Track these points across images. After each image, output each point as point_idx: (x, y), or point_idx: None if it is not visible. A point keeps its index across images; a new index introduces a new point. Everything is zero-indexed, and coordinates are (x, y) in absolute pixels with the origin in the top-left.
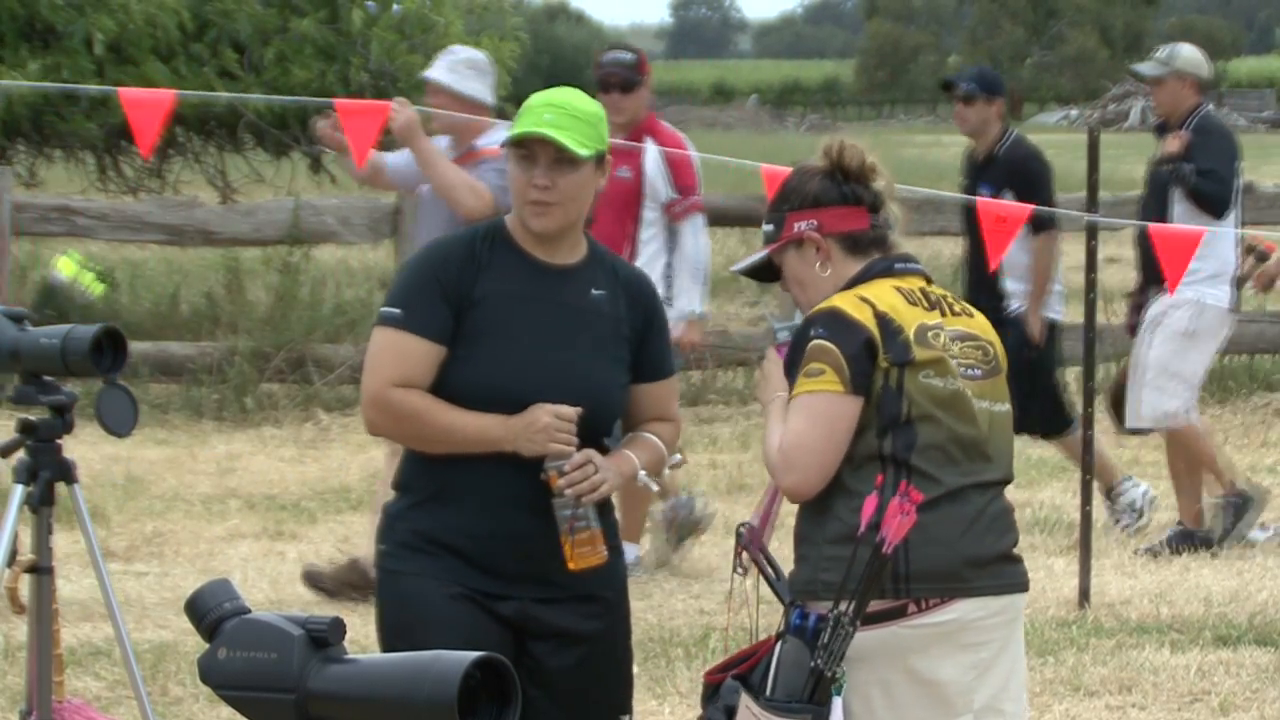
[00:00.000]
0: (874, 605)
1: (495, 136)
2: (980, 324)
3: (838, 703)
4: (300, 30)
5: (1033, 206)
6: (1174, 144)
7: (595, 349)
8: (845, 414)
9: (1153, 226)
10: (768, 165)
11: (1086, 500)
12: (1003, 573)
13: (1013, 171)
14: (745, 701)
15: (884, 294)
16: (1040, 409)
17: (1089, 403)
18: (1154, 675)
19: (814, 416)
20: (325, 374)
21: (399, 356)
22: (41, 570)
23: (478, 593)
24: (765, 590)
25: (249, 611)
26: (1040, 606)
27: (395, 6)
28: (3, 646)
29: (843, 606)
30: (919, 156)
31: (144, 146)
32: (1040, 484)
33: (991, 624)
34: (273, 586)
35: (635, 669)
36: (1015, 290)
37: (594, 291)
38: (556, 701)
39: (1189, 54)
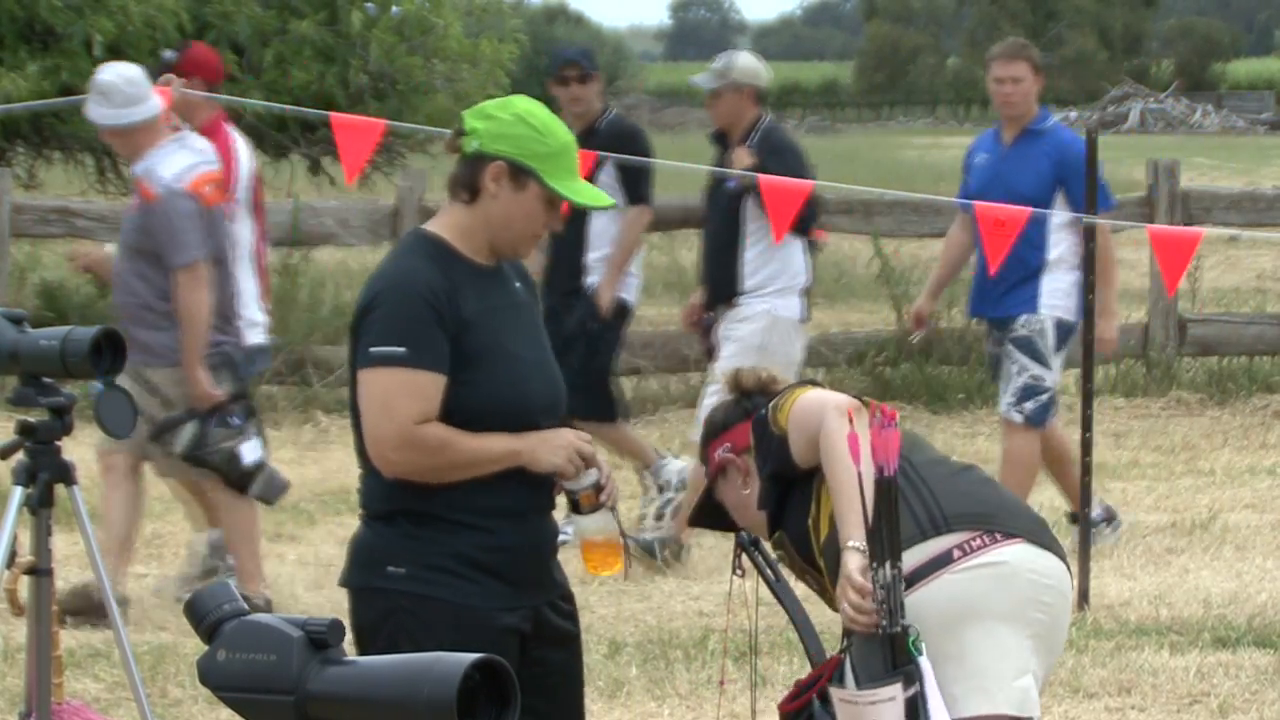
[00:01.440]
0: (920, 559)
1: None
2: None
3: (923, 661)
4: (299, 32)
5: (1029, 210)
6: (745, 158)
7: (543, 343)
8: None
9: (1151, 228)
10: (765, 179)
11: (1085, 502)
12: (1036, 526)
13: (613, 146)
14: (837, 694)
15: None
16: (586, 389)
17: (1088, 404)
18: (1153, 677)
19: (814, 395)
20: (324, 376)
21: (414, 394)
22: (41, 572)
23: (505, 609)
24: (765, 592)
25: (248, 613)
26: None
27: (394, 8)
28: (2, 648)
29: (884, 565)
30: (918, 158)
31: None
32: (1039, 485)
33: (1043, 583)
34: (272, 588)
35: (634, 670)
36: (596, 263)
37: (516, 285)
38: (559, 703)
39: (746, 63)
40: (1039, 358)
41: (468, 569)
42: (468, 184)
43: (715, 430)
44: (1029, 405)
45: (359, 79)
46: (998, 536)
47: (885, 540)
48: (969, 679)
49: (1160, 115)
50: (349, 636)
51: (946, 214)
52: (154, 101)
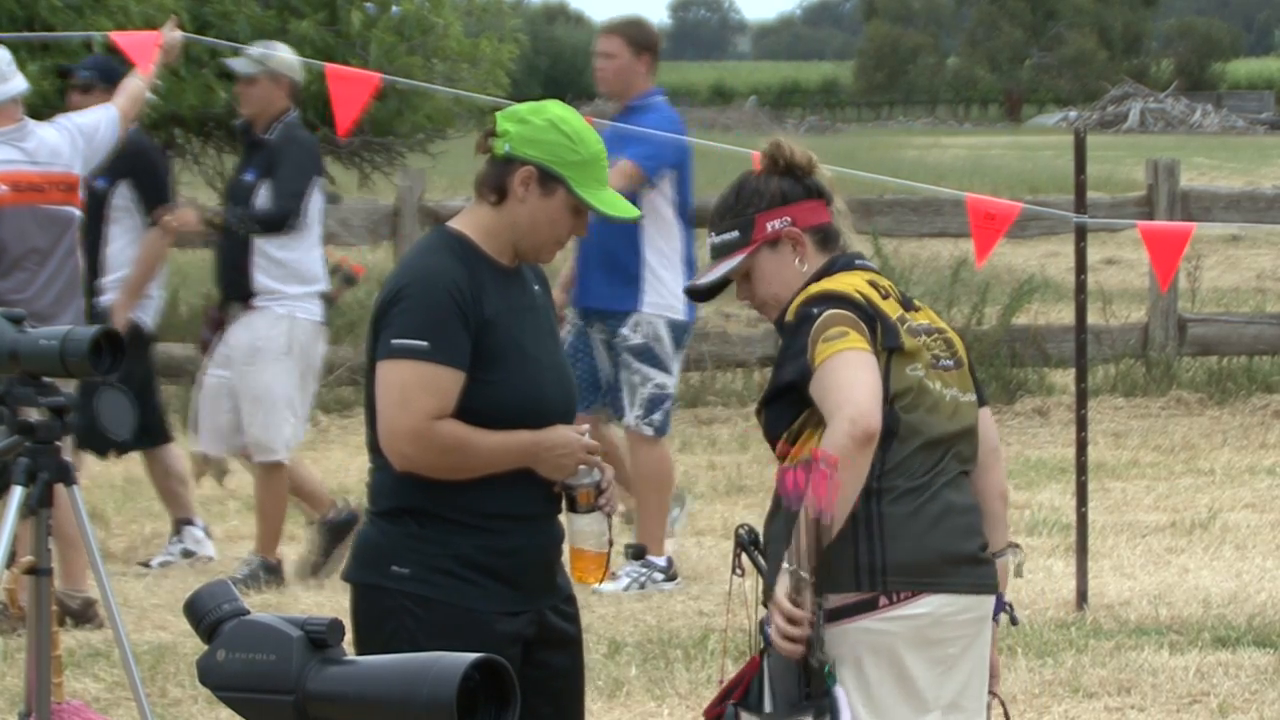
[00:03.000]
0: (846, 599)
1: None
2: (936, 319)
3: (838, 692)
4: (299, 32)
5: (1020, 205)
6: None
7: (559, 345)
8: (876, 368)
9: (1142, 225)
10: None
11: (1082, 502)
12: (975, 572)
13: (132, 160)
14: None
15: (858, 284)
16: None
17: (1082, 404)
18: (1153, 677)
19: (856, 365)
20: (324, 376)
21: (433, 389)
22: (40, 572)
23: (509, 613)
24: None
25: (248, 613)
26: (1039, 608)
27: (394, 8)
28: (1, 648)
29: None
30: (918, 158)
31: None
32: (1038, 485)
33: (961, 621)
34: (272, 588)
35: (634, 670)
36: (113, 284)
37: (535, 288)
38: (560, 706)
39: (285, 55)
40: (660, 364)
41: (471, 572)
42: (496, 186)
43: (773, 199)
44: (657, 416)
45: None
46: (929, 587)
47: (814, 572)
48: (871, 717)
49: (1160, 115)
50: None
51: (947, 214)
52: (9, 86)
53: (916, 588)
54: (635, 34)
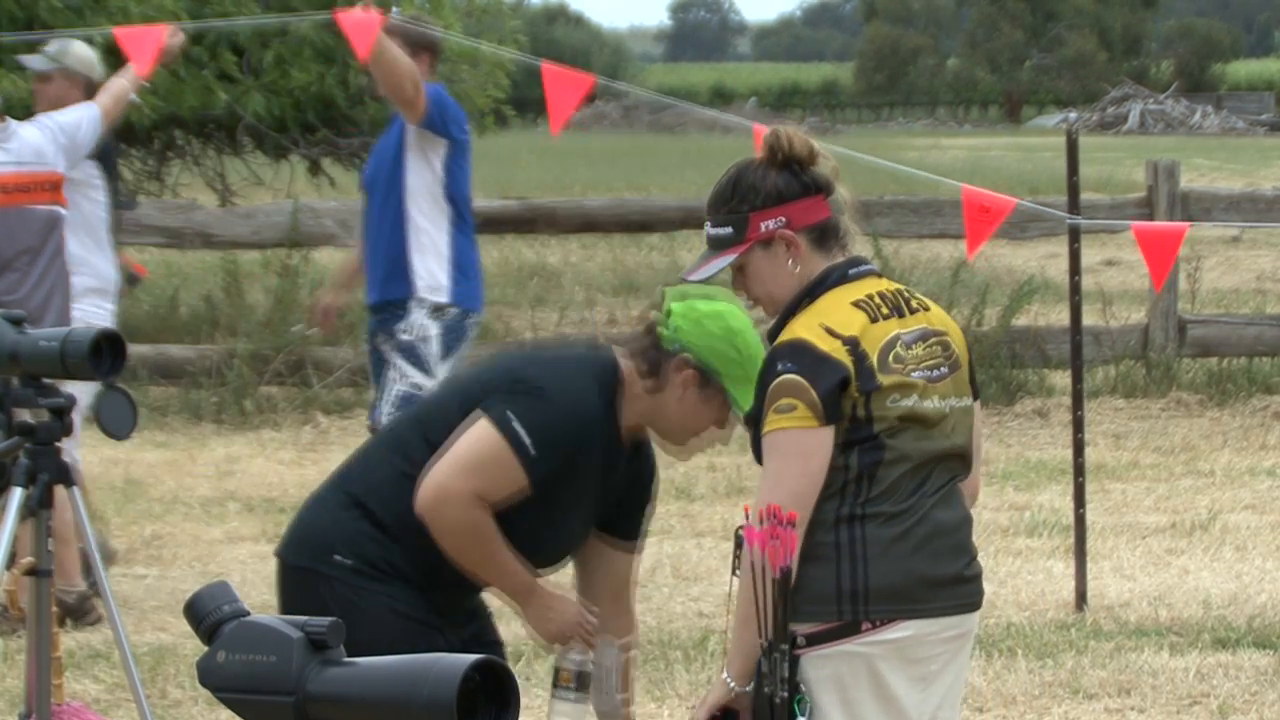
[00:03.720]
0: (827, 625)
1: None
2: (938, 317)
3: None
4: (299, 33)
5: (1015, 201)
6: None
7: (591, 517)
8: (819, 447)
9: (1136, 225)
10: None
11: (1080, 503)
12: (957, 593)
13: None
14: None
15: (846, 316)
16: None
17: (1079, 406)
18: (1153, 678)
19: (791, 453)
20: (324, 377)
21: (498, 478)
22: (41, 573)
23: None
24: None
25: (248, 614)
26: (1038, 609)
27: (394, 9)
28: (1, 649)
29: (766, 634)
30: (918, 159)
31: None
32: (1038, 486)
33: (944, 638)
34: (271, 589)
35: (635, 671)
36: None
37: (625, 462)
38: None
39: (82, 52)
40: (423, 365)
41: (408, 586)
42: (654, 370)
43: (768, 198)
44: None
45: (359, 80)
46: (910, 613)
47: (780, 627)
48: None
49: (1160, 116)
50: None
51: (947, 214)
52: None
53: (898, 615)
54: (411, 34)
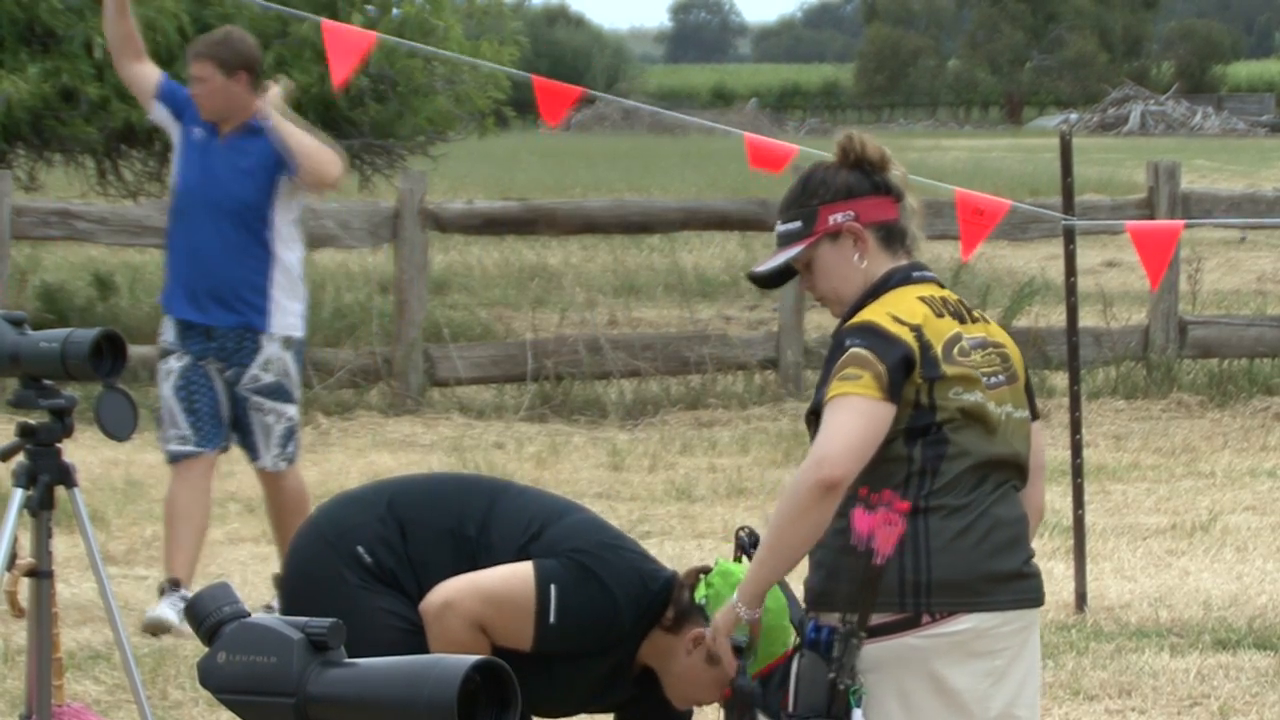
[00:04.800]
0: (888, 617)
1: None
2: (996, 330)
3: (857, 714)
4: (300, 34)
5: (1009, 203)
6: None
7: None
8: (880, 417)
9: (1130, 224)
10: (751, 135)
11: (1079, 504)
12: (1017, 587)
13: None
14: None
15: (912, 307)
16: None
17: (1076, 407)
18: (1153, 679)
19: (852, 411)
20: (325, 378)
21: (512, 622)
22: (41, 574)
23: None
24: None
25: (248, 615)
26: (1039, 610)
27: (395, 10)
28: (2, 650)
29: (850, 618)
30: (919, 160)
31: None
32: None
33: (1006, 632)
34: (272, 590)
35: None
36: None
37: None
38: None
39: None
40: (290, 398)
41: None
42: (679, 619)
43: (838, 193)
44: (291, 448)
45: (359, 81)
46: (970, 606)
47: (858, 614)
48: None
49: (1161, 117)
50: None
51: (946, 215)
52: None
53: (958, 608)
54: (224, 54)
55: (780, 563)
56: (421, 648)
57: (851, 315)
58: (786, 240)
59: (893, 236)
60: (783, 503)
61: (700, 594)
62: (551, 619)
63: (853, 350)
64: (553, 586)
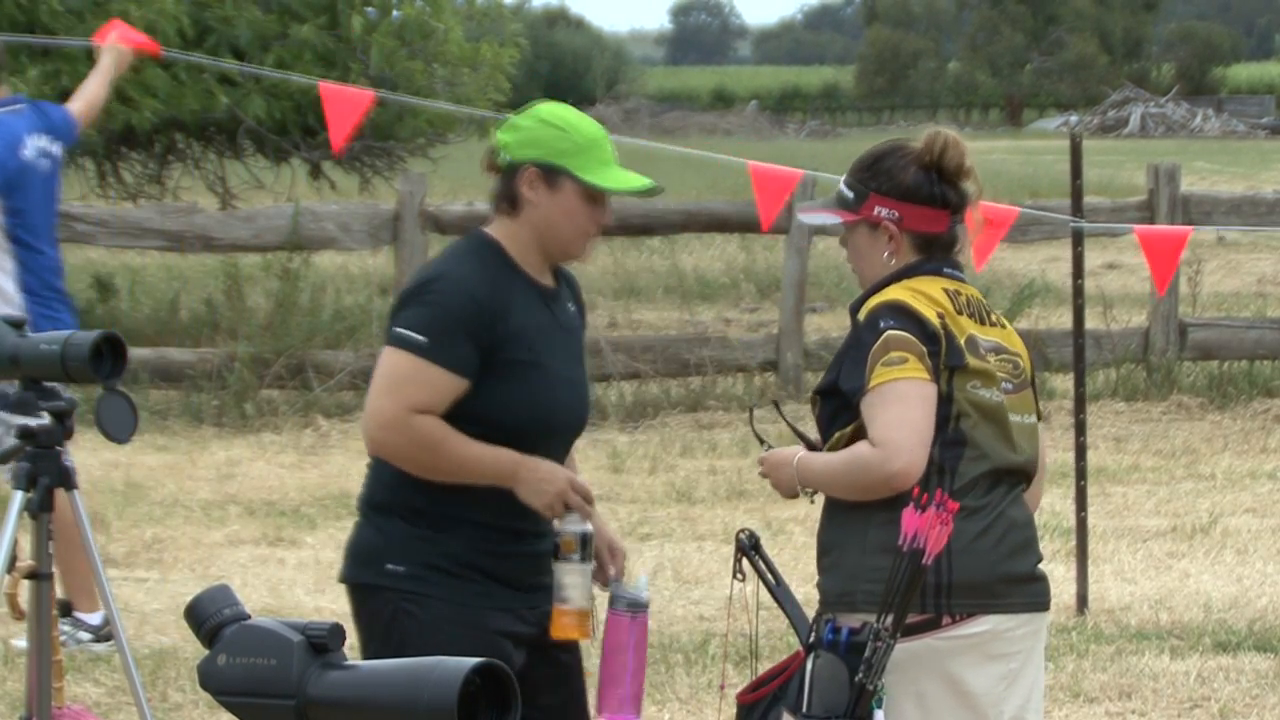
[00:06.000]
0: (910, 618)
1: None
2: (1010, 335)
3: (879, 715)
4: (300, 36)
5: (1018, 210)
6: None
7: (582, 365)
8: (932, 399)
9: (1138, 228)
10: (755, 164)
11: (1081, 507)
12: (1031, 591)
13: None
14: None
15: (936, 294)
16: None
17: (1081, 409)
18: (1154, 681)
19: (909, 399)
20: (325, 380)
21: (423, 385)
22: (41, 576)
23: (504, 609)
24: (765, 596)
25: (248, 618)
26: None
27: (395, 12)
28: (2, 653)
29: (885, 619)
30: None
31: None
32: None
33: (1020, 635)
34: (272, 593)
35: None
36: None
37: (570, 307)
38: (563, 702)
39: None
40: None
41: (463, 569)
42: (507, 195)
43: (894, 189)
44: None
45: (359, 83)
46: (989, 607)
47: (895, 615)
48: None
49: (1161, 119)
50: (350, 636)
51: None
52: None
53: (977, 609)
54: None
55: (831, 470)
56: (488, 645)
57: (875, 291)
58: (838, 203)
59: (933, 248)
60: (842, 474)
61: (503, 160)
62: (425, 343)
63: (890, 333)
64: (402, 330)
